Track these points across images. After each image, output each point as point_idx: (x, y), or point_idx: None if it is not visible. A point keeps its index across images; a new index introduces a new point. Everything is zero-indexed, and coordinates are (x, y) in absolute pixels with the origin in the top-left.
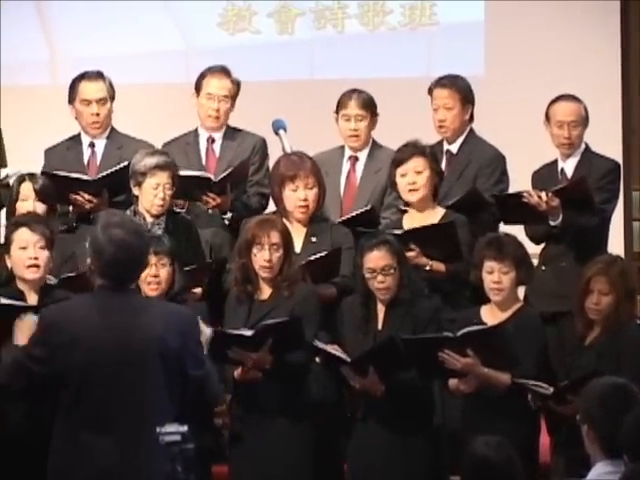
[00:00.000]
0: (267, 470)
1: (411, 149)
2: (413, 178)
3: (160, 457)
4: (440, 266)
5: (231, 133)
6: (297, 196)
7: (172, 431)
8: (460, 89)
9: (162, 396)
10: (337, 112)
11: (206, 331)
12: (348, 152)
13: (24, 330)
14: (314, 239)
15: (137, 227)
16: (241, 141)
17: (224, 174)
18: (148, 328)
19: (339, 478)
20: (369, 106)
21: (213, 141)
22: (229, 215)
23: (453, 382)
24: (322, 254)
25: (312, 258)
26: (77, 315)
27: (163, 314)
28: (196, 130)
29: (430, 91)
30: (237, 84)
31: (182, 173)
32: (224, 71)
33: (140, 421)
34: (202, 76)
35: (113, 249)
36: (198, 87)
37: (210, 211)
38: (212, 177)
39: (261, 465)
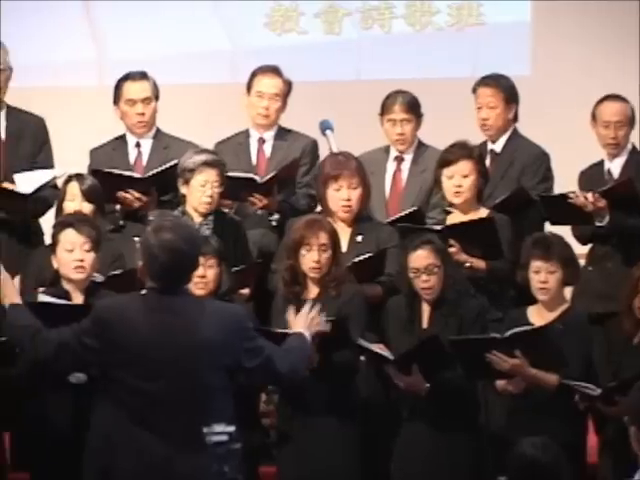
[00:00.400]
0: (314, 470)
1: (459, 151)
2: (459, 181)
3: (208, 456)
4: (480, 263)
5: (282, 134)
6: (340, 196)
7: (219, 431)
8: (504, 88)
9: (214, 395)
10: (382, 115)
11: None
12: (394, 152)
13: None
14: (359, 238)
15: (189, 232)
16: (292, 142)
17: (270, 175)
18: (197, 328)
19: (384, 478)
20: (414, 109)
21: (264, 142)
22: (276, 216)
23: (501, 383)
24: (367, 255)
25: (357, 260)
26: (128, 315)
27: (212, 313)
28: (247, 131)
29: (474, 90)
30: (288, 84)
31: (228, 174)
32: (275, 70)
33: (190, 420)
34: (253, 75)
35: (165, 256)
36: (249, 86)
37: (259, 212)
38: (257, 178)
39: (308, 465)
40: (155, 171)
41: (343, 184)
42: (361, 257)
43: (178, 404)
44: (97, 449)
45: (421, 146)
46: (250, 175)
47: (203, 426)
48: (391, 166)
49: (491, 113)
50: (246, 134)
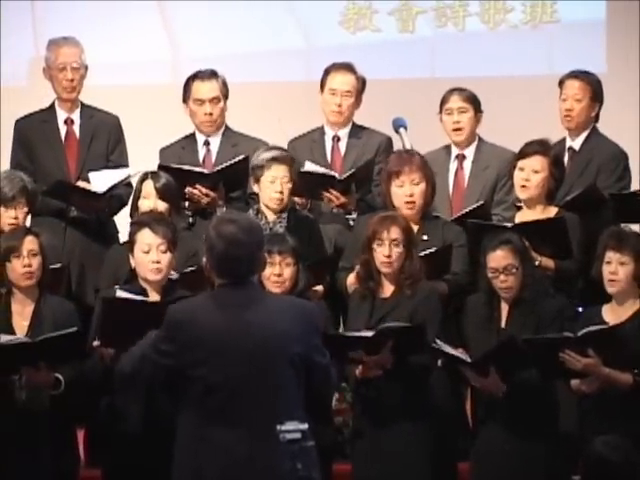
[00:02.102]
0: (387, 468)
1: (535, 147)
2: (528, 175)
3: (282, 453)
4: (549, 262)
5: (357, 131)
6: (403, 192)
7: (292, 429)
8: (592, 84)
9: (288, 389)
10: (440, 110)
11: None
12: (455, 151)
13: None
14: (425, 237)
15: (250, 224)
16: (367, 139)
17: (349, 173)
18: (270, 322)
19: (453, 478)
20: (471, 100)
21: (339, 139)
22: (354, 215)
23: (575, 382)
24: (432, 250)
25: (423, 254)
26: (201, 314)
27: (284, 307)
28: (322, 128)
29: (561, 82)
30: (362, 81)
31: (307, 169)
32: (348, 67)
33: (267, 415)
34: (326, 72)
35: (222, 244)
36: (323, 83)
37: (334, 211)
38: (337, 175)
39: (381, 463)
40: (222, 166)
41: (405, 180)
42: (427, 251)
43: (255, 398)
44: (185, 451)
45: (482, 143)
46: (330, 172)
47: (277, 422)
48: (453, 165)
49: (576, 105)
50: (321, 131)
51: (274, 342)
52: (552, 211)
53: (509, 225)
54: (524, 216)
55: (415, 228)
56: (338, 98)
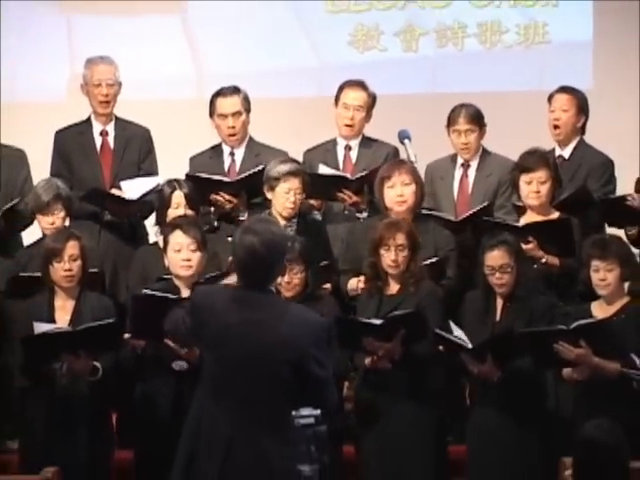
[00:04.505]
0: (391, 451)
1: (538, 159)
2: (537, 187)
3: (296, 438)
4: (554, 260)
5: (367, 142)
6: (394, 192)
7: (306, 414)
8: (578, 97)
9: (279, 389)
10: (448, 127)
11: None
12: (460, 159)
13: None
14: None
15: (273, 237)
16: (376, 149)
17: (361, 174)
18: (274, 327)
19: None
20: (477, 120)
21: (350, 149)
22: (364, 215)
23: (567, 371)
24: (429, 262)
25: (423, 264)
26: (216, 303)
27: (292, 315)
28: (335, 139)
29: (550, 97)
30: (373, 97)
31: (321, 172)
32: (360, 84)
33: (252, 408)
34: (340, 88)
35: (241, 253)
36: (337, 98)
37: (346, 212)
38: (349, 176)
39: (387, 445)
40: (242, 175)
41: (396, 182)
42: (427, 262)
43: (243, 392)
44: (189, 433)
45: (485, 153)
46: (343, 173)
47: (260, 416)
48: (458, 172)
49: (563, 115)
50: (334, 142)
51: (272, 346)
52: (554, 215)
53: (519, 225)
54: (529, 218)
55: None
56: (350, 112)
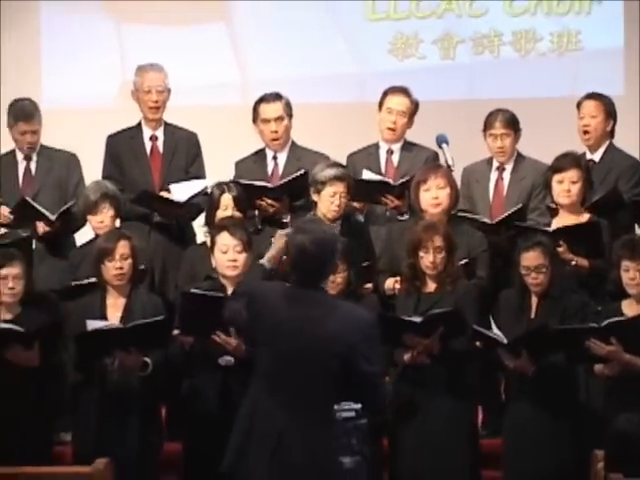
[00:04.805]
0: (428, 444)
1: (570, 160)
2: (569, 186)
3: (337, 430)
4: (584, 262)
5: (408, 146)
6: (430, 195)
7: (347, 408)
8: (605, 103)
9: (329, 384)
10: (484, 131)
11: None
12: (496, 163)
13: (277, 244)
14: None
15: (324, 236)
16: (416, 153)
17: (403, 180)
18: (324, 324)
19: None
20: (512, 124)
21: (392, 153)
22: (405, 217)
23: (598, 367)
24: (464, 262)
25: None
26: (269, 296)
27: (341, 312)
28: (377, 143)
29: (579, 104)
30: (415, 103)
31: (365, 178)
32: (404, 90)
33: (302, 400)
34: (385, 94)
35: (293, 252)
36: (381, 103)
37: (387, 214)
38: (391, 182)
39: (424, 439)
40: (284, 180)
41: (432, 185)
42: (459, 263)
43: (293, 385)
44: (241, 429)
45: (520, 157)
46: (386, 179)
47: (318, 407)
48: (494, 175)
49: (592, 121)
50: (376, 146)
51: (322, 341)
52: (585, 216)
53: (550, 229)
54: (561, 219)
55: None
56: (393, 117)
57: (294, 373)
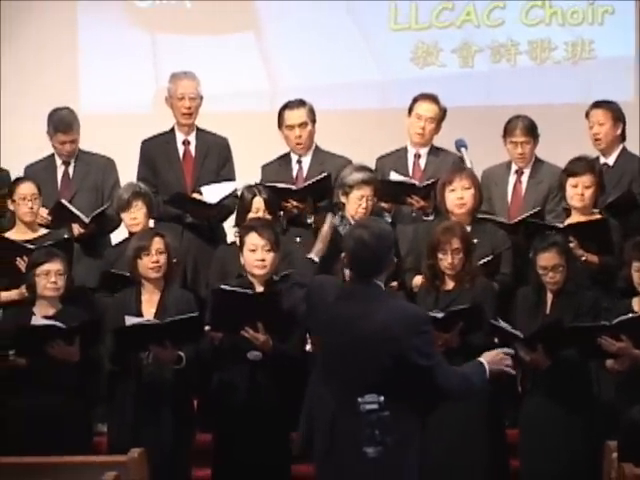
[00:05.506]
0: (449, 435)
1: (584, 165)
2: (582, 191)
3: (362, 422)
4: (594, 258)
5: (435, 151)
6: (455, 195)
7: (371, 400)
8: (612, 109)
9: (379, 377)
10: (505, 137)
11: None
12: (514, 167)
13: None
14: (475, 240)
15: (381, 230)
16: (443, 158)
17: (429, 182)
18: (374, 320)
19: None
20: (532, 131)
21: (419, 157)
22: (431, 217)
23: (609, 362)
24: (487, 259)
25: (480, 262)
26: (326, 292)
27: (393, 308)
28: (405, 147)
29: (587, 114)
30: (443, 110)
31: (392, 178)
32: (433, 98)
33: (351, 392)
34: (415, 100)
35: (352, 244)
36: (410, 109)
37: (414, 214)
38: (417, 183)
39: (444, 431)
40: (307, 183)
41: (457, 186)
42: (482, 260)
43: (343, 376)
44: (307, 400)
45: (537, 161)
46: (412, 180)
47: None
48: (512, 178)
49: (601, 129)
50: (404, 150)
51: (371, 336)
52: (596, 214)
53: (561, 225)
54: (573, 219)
55: (467, 229)
56: (422, 123)
57: (346, 365)
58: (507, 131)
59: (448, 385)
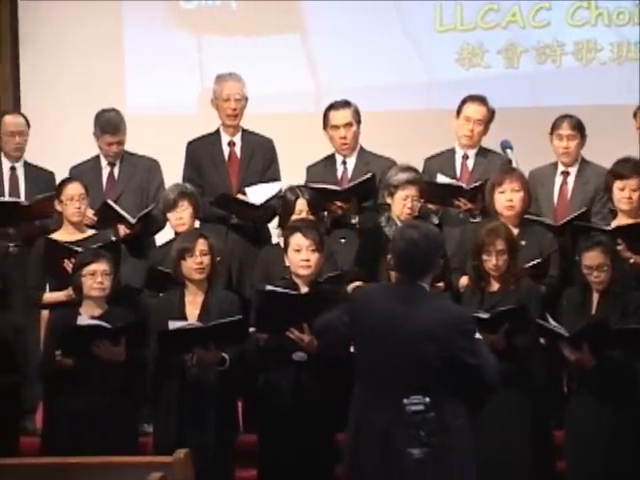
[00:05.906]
0: (492, 434)
1: (631, 167)
2: (630, 194)
3: (408, 422)
4: None
5: (483, 152)
6: (504, 197)
7: (417, 401)
8: None
9: (428, 377)
10: (551, 133)
11: None
12: (561, 167)
13: None
14: (523, 242)
15: (429, 231)
16: (490, 159)
17: (476, 184)
18: (420, 321)
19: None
20: (579, 128)
21: (467, 158)
22: (478, 219)
23: None
24: (536, 262)
25: (529, 265)
26: (371, 297)
27: (438, 309)
28: (453, 148)
29: (635, 114)
30: (492, 112)
31: (439, 181)
32: (482, 99)
33: (396, 394)
34: (463, 102)
35: (402, 245)
36: (459, 111)
37: (461, 215)
38: (464, 185)
39: (490, 430)
40: (352, 184)
41: (507, 188)
42: (531, 263)
43: (388, 378)
44: (352, 409)
45: (584, 162)
46: (458, 183)
47: (402, 400)
48: (559, 179)
49: None
50: (452, 151)
51: (416, 338)
52: None
53: (608, 228)
54: (620, 220)
55: (515, 231)
56: (471, 125)
57: (394, 367)
58: (554, 126)
59: (492, 380)
